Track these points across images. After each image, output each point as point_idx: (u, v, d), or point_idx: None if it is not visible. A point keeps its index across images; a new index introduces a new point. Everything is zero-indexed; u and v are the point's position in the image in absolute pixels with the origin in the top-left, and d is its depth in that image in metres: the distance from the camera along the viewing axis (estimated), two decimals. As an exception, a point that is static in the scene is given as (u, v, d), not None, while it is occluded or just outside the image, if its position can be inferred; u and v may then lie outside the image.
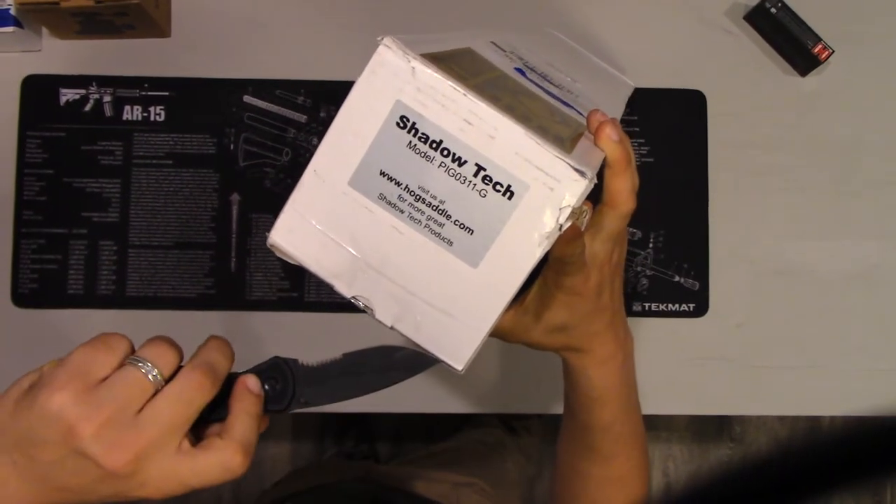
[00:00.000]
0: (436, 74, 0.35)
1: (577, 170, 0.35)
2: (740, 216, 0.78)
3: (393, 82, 0.35)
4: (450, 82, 0.35)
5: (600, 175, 0.41)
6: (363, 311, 0.38)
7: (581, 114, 0.45)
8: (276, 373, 0.41)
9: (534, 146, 0.35)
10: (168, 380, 0.39)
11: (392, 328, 0.38)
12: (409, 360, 0.41)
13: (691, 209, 0.78)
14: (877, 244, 0.79)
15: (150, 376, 0.38)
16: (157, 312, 0.76)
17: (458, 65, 0.38)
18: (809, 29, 0.76)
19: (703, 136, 0.79)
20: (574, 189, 0.35)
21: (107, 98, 0.77)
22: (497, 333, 0.46)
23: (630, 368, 0.50)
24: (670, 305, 0.77)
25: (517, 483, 1.01)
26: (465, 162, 0.35)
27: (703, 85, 0.79)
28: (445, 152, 0.35)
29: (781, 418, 1.62)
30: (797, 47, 0.77)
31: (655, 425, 1.61)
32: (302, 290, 0.76)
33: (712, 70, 0.79)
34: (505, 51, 0.49)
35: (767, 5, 0.76)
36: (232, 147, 0.77)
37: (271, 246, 0.39)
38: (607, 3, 0.80)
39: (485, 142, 0.35)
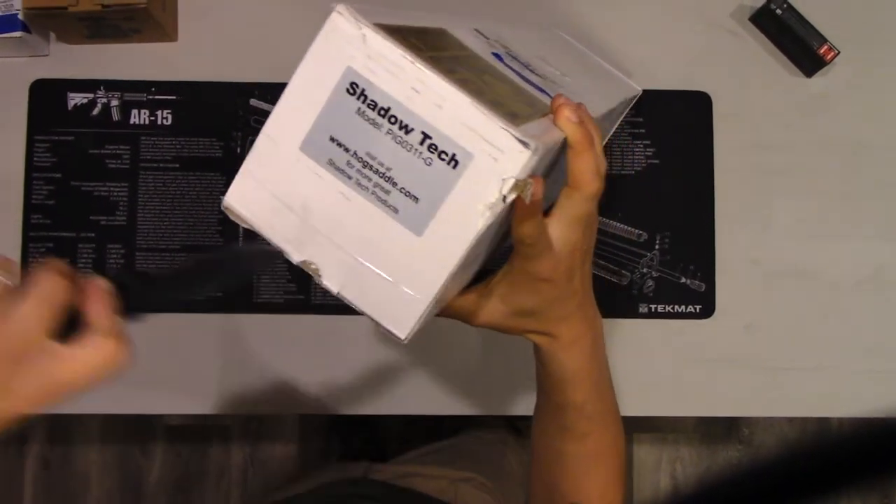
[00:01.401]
0: (386, 42, 0.35)
1: (520, 141, 0.34)
2: (746, 217, 0.78)
3: (344, 49, 0.35)
4: (399, 50, 0.35)
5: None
6: (309, 276, 0.39)
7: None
8: (126, 278, 0.41)
9: (479, 116, 0.35)
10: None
11: (338, 294, 0.38)
12: (256, 255, 0.42)
13: (697, 211, 0.78)
14: (884, 245, 0.78)
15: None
16: (164, 315, 0.76)
17: (418, 38, 0.38)
18: (815, 30, 0.76)
19: (708, 137, 0.79)
20: (517, 160, 0.35)
21: (114, 102, 0.77)
22: (460, 315, 0.46)
23: (600, 348, 0.49)
24: (676, 307, 0.77)
25: (518, 478, 1.01)
26: (412, 130, 0.35)
27: (709, 86, 0.79)
28: (393, 120, 0.36)
29: (790, 420, 1.62)
30: (803, 48, 0.77)
31: (663, 427, 1.61)
32: (308, 293, 0.77)
33: (718, 71, 0.79)
34: (488, 38, 0.49)
35: (773, 6, 0.76)
36: (238, 150, 0.77)
37: (225, 209, 0.39)
38: (613, 6, 0.80)
39: (432, 110, 0.35)
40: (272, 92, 0.77)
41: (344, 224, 0.38)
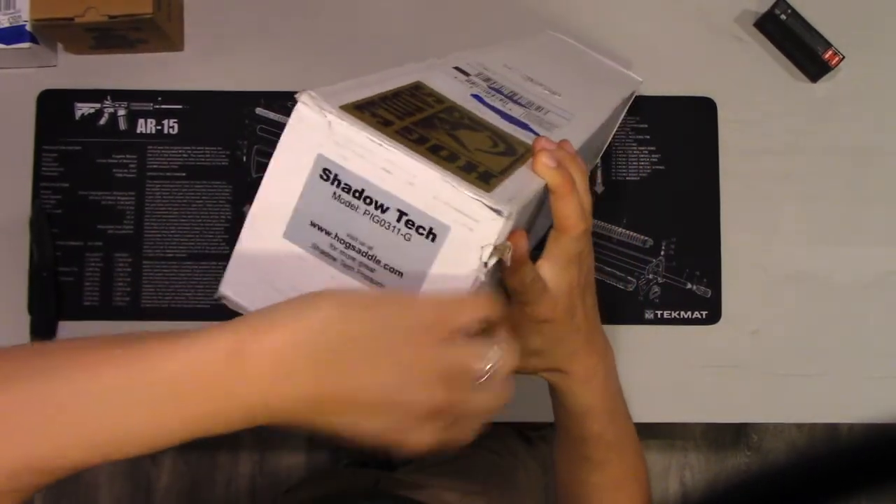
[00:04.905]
0: (352, 126, 0.35)
1: (493, 209, 0.35)
2: (752, 223, 0.78)
3: (312, 137, 0.36)
4: (365, 133, 0.35)
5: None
6: None
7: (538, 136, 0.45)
8: None
9: (449, 189, 0.35)
10: None
11: None
12: None
13: (703, 216, 0.78)
14: (891, 250, 0.78)
15: (487, 368, 0.35)
16: (172, 323, 0.76)
17: (388, 108, 0.38)
18: (819, 35, 0.76)
19: (713, 143, 0.78)
20: (492, 228, 0.35)
21: (121, 112, 0.77)
22: None
23: (613, 379, 0.50)
24: (682, 313, 0.77)
25: (530, 492, 1.00)
26: (388, 208, 0.36)
27: (714, 92, 0.79)
28: (368, 200, 0.36)
29: (799, 426, 1.61)
30: (807, 53, 0.77)
31: (671, 434, 1.60)
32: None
33: (723, 77, 0.79)
34: (469, 74, 0.49)
35: (777, 12, 0.76)
36: (244, 159, 0.77)
37: (220, 298, 0.40)
38: (617, 12, 0.80)
39: (404, 188, 0.35)
40: (278, 101, 0.78)
41: None
